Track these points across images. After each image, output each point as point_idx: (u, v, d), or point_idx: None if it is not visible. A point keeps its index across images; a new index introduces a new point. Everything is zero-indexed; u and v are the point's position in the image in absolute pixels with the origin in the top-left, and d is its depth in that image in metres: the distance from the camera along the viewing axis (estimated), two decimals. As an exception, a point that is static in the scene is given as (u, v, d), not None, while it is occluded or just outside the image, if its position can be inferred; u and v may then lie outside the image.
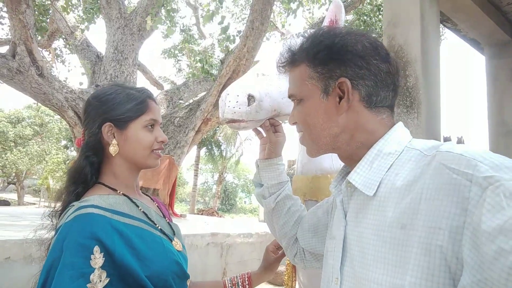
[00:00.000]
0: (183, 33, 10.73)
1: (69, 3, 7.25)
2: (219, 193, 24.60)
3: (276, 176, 1.10)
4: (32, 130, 20.21)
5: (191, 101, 8.14)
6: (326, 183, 1.17)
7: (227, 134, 19.33)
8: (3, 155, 18.95)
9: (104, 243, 0.82)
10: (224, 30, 5.80)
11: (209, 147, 20.46)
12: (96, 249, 0.81)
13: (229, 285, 1.18)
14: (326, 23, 1.16)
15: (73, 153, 21.29)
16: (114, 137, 0.98)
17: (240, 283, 1.20)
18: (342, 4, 1.09)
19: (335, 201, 0.83)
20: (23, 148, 19.80)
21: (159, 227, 1.00)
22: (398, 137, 0.71)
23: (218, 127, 15.52)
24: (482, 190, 0.52)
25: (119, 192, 0.98)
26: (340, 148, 0.76)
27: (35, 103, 15.51)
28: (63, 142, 20.97)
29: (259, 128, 1.12)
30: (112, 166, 1.00)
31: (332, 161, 1.17)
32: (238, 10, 12.00)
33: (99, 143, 0.99)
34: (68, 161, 20.31)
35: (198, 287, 1.15)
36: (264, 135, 1.12)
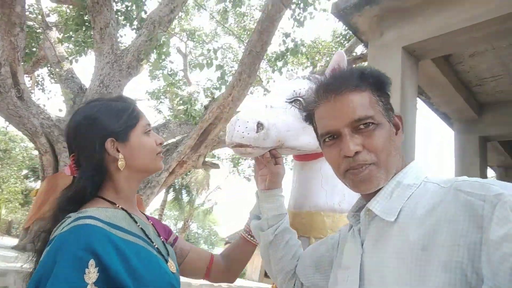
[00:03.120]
0: (170, 77, 10.97)
1: (65, 35, 7.35)
2: (181, 242, 23.42)
3: (277, 207, 1.11)
4: (-7, 154, 19.08)
5: (169, 142, 8.11)
6: (319, 220, 1.17)
7: (197, 179, 18.87)
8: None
9: (100, 256, 0.78)
10: (222, 75, 6.12)
11: (177, 192, 19.84)
12: (92, 263, 0.77)
13: (246, 235, 1.25)
14: (329, 72, 1.24)
15: (32, 184, 19.96)
16: (119, 151, 0.96)
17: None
18: (344, 54, 1.18)
19: (352, 231, 0.83)
20: (-21, 172, 18.53)
21: (156, 246, 0.97)
22: (416, 172, 0.77)
23: (190, 171, 15.24)
24: (493, 207, 0.57)
25: (118, 206, 0.95)
26: None
27: (4, 128, 14.90)
28: (25, 172, 19.88)
29: (260, 158, 1.15)
30: (114, 182, 0.98)
31: (326, 198, 1.19)
32: (229, 60, 12.55)
33: (102, 162, 0.96)
34: (26, 192, 19.07)
35: (227, 250, 1.29)
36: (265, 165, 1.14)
